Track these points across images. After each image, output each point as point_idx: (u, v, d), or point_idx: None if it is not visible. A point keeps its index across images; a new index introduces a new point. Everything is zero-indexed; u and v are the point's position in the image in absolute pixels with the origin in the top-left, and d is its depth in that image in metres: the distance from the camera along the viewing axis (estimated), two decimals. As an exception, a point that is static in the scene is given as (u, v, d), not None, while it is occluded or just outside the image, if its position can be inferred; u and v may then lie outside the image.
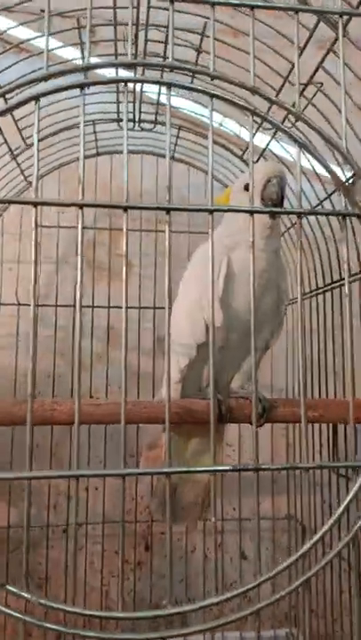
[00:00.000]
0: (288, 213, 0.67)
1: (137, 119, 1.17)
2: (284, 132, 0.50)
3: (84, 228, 0.51)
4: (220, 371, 0.92)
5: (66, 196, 1.29)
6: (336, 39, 0.63)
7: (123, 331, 0.50)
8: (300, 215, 0.50)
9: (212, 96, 0.49)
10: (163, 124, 1.21)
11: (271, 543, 1.33)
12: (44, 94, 0.46)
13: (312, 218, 1.06)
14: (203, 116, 1.18)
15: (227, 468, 0.48)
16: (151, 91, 1.13)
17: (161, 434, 0.97)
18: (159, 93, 1.11)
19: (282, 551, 1.33)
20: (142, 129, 1.19)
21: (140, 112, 1.15)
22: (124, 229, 0.49)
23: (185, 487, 0.96)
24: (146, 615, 0.50)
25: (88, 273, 1.35)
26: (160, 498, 0.96)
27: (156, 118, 1.19)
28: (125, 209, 0.49)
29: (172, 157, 1.29)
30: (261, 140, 1.11)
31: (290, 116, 0.60)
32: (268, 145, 1.06)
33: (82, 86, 0.48)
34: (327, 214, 0.51)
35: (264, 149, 1.08)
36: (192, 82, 0.96)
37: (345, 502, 0.49)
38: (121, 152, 1.29)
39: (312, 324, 1.13)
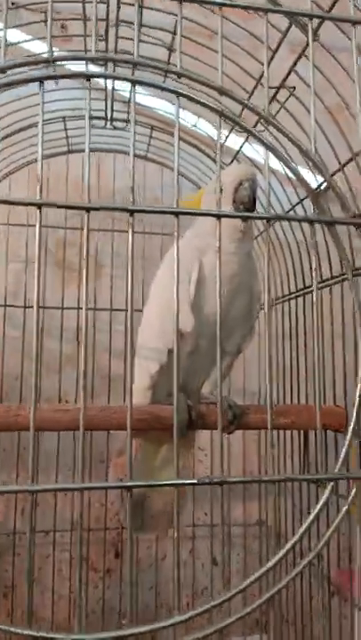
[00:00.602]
0: (256, 218, 0.66)
1: (109, 117, 1.15)
2: (252, 135, 0.48)
3: (44, 226, 0.49)
4: (191, 376, 0.90)
5: (32, 194, 1.25)
6: (307, 43, 0.62)
7: (82, 336, 0.48)
8: (268, 220, 0.49)
9: (179, 95, 0.47)
10: (136, 122, 1.19)
11: (243, 549, 1.33)
12: None
13: (285, 222, 1.05)
14: (173, 115, 1.17)
15: (191, 481, 0.47)
16: (123, 89, 1.11)
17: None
18: (131, 92, 1.09)
19: (253, 557, 1.32)
20: (115, 127, 1.16)
21: (113, 110, 1.13)
22: (85, 231, 0.47)
23: (154, 496, 0.94)
24: (106, 636, 0.48)
25: (58, 273, 1.32)
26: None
27: (128, 117, 1.17)
28: (87, 210, 0.46)
29: (145, 157, 1.27)
30: (235, 141, 1.10)
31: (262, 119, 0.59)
32: (241, 147, 1.05)
33: (41, 80, 0.46)
34: (295, 220, 0.50)
35: (237, 152, 1.06)
36: (164, 81, 0.94)
37: (311, 516, 0.48)
38: (93, 150, 1.26)
39: (284, 328, 1.12)
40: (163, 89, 0.47)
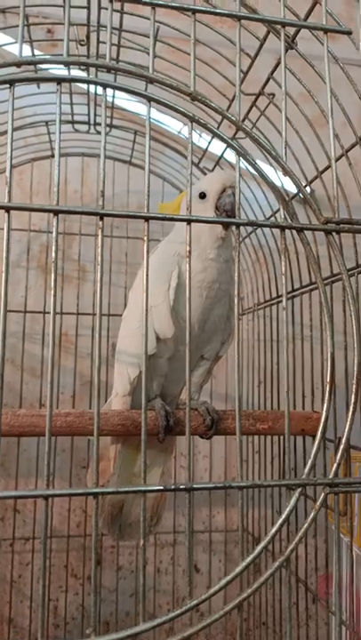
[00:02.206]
0: (226, 223, 0.66)
1: (92, 122, 1.15)
2: (222, 140, 0.48)
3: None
4: (170, 382, 0.90)
5: (17, 198, 1.25)
6: (286, 51, 0.62)
7: (50, 337, 0.47)
8: (237, 226, 0.49)
9: (150, 99, 0.47)
10: (118, 127, 1.19)
11: (224, 556, 1.32)
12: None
13: (267, 229, 1.05)
14: (160, 122, 1.17)
15: (157, 487, 0.46)
16: (108, 94, 1.11)
17: (109, 446, 0.94)
18: (113, 97, 1.10)
19: (235, 564, 1.31)
20: (98, 132, 1.16)
21: (96, 115, 1.13)
22: (54, 234, 0.46)
23: (132, 503, 0.93)
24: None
25: (41, 278, 1.31)
26: (106, 516, 0.93)
27: (111, 121, 1.17)
28: (56, 213, 0.46)
29: (130, 162, 1.27)
30: (220, 147, 1.10)
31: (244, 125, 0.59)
32: (223, 153, 1.05)
33: (11, 82, 0.45)
34: (265, 226, 0.50)
35: (220, 158, 1.07)
36: (146, 88, 0.95)
37: (280, 520, 0.47)
38: (78, 155, 1.26)
39: (266, 334, 1.13)
40: (133, 93, 0.47)
